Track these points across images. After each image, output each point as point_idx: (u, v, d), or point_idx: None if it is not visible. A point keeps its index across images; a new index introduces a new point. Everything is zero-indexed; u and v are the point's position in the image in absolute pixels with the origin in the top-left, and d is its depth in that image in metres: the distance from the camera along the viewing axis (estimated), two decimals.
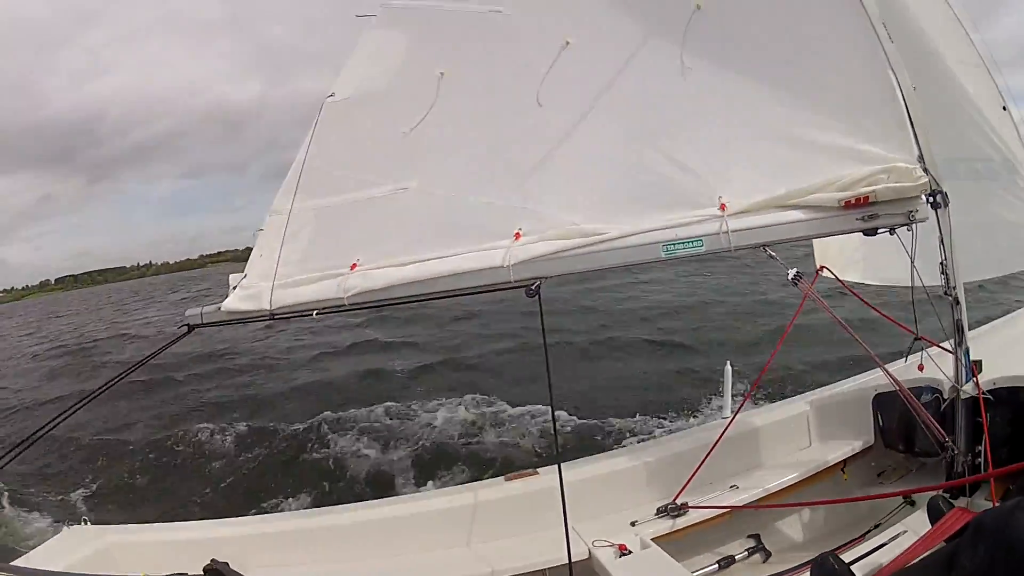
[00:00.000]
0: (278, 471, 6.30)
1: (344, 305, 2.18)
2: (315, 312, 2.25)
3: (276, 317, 2.34)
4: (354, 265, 2.20)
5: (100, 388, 2.51)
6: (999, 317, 3.94)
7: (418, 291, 2.10)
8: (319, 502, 5.27)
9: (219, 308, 2.48)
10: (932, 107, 2.61)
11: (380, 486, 5.66)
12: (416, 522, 2.56)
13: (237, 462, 6.71)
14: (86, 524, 2.59)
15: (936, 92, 3.12)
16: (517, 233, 2.06)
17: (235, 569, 1.51)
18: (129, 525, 2.66)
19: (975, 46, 3.57)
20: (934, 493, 2.62)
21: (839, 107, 2.29)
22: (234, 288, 2.50)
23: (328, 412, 7.58)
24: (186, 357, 11.63)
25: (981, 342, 2.61)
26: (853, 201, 2.15)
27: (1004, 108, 3.61)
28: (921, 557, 1.85)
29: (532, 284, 1.95)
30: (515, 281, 1.98)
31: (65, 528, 2.57)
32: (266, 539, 2.50)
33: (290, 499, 5.58)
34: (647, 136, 2.21)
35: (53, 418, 2.29)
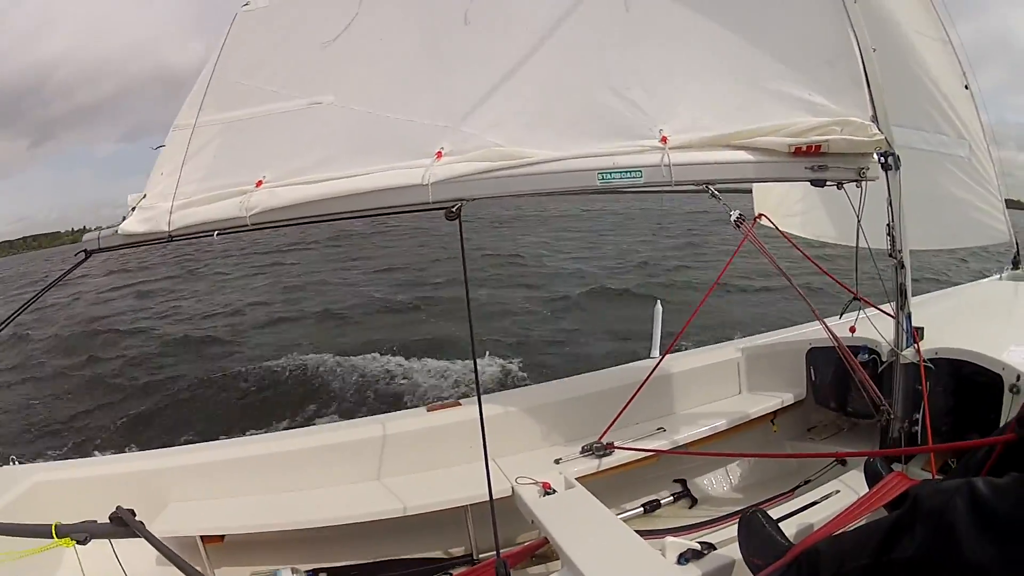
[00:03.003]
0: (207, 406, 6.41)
1: (247, 225, 1.96)
2: (215, 233, 2.03)
3: (174, 239, 2.12)
4: (260, 182, 1.98)
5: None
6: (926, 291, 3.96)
7: (327, 210, 1.90)
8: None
9: (116, 232, 2.25)
10: (890, 72, 2.52)
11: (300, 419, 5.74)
12: (334, 453, 2.43)
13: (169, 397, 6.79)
14: (15, 464, 2.46)
15: (896, 58, 3.05)
16: (439, 152, 1.86)
17: (138, 520, 1.52)
18: (56, 462, 2.57)
19: (941, 21, 3.51)
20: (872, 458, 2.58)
21: (795, 56, 2.18)
22: (132, 209, 2.26)
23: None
24: None
25: (921, 310, 2.55)
26: (804, 149, 2.05)
27: (966, 87, 3.58)
28: (858, 524, 1.77)
29: (453, 206, 1.77)
30: (434, 202, 1.79)
31: None
32: (189, 471, 2.37)
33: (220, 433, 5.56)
34: (584, 63, 2.05)
35: None
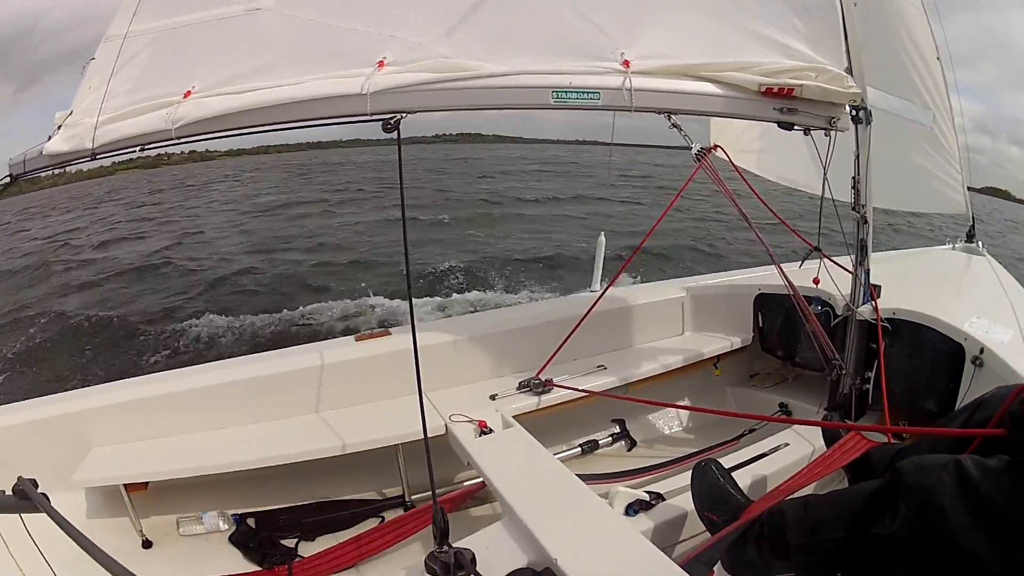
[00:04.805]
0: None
1: (172, 138, 1.81)
2: (139, 148, 1.88)
3: (98, 156, 1.96)
4: (188, 93, 1.83)
5: None
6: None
7: (258, 121, 1.76)
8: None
9: (41, 152, 2.09)
10: (867, 31, 2.48)
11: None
12: (257, 386, 2.29)
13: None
14: None
15: (871, 16, 3.01)
16: (381, 62, 1.74)
17: (42, 492, 1.34)
18: None
19: None
20: (820, 410, 2.54)
21: None
22: (59, 128, 2.10)
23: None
24: None
25: (872, 269, 2.53)
26: (775, 90, 1.99)
27: (938, 59, 3.56)
28: (815, 484, 1.70)
29: (391, 118, 1.65)
30: (372, 113, 1.67)
31: None
32: (110, 411, 2.19)
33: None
34: None
35: None
